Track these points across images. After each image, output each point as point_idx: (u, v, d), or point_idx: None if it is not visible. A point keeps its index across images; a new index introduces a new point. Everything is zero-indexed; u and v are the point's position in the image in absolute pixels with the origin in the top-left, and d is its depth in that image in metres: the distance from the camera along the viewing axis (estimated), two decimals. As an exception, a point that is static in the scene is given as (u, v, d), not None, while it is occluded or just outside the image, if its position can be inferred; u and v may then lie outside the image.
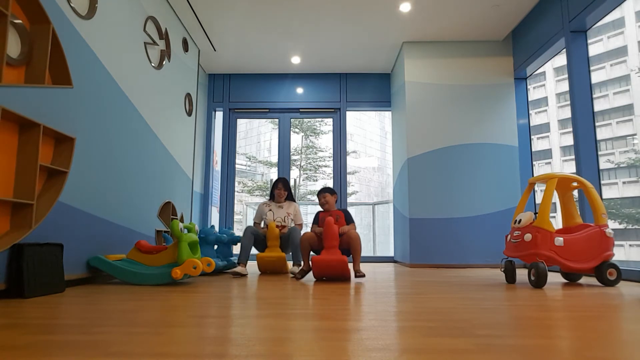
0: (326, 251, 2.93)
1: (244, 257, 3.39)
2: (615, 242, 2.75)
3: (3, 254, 1.96)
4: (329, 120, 6.02)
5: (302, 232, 3.47)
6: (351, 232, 3.08)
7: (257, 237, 3.56)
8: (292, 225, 3.87)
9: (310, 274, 3.32)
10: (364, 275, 2.96)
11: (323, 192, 3.40)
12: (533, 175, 4.55)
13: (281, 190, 3.91)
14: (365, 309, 1.70)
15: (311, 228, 3.34)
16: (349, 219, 3.27)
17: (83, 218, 2.56)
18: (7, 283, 1.98)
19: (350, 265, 3.16)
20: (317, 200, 3.50)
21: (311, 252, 3.20)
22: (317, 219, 3.34)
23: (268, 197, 4.08)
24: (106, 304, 1.79)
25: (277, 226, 3.68)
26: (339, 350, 1.05)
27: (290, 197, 4.01)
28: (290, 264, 3.98)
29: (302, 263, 3.29)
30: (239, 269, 3.24)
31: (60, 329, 1.29)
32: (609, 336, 1.26)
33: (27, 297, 1.96)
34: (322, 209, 3.40)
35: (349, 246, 3.05)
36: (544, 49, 4.11)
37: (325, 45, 5.09)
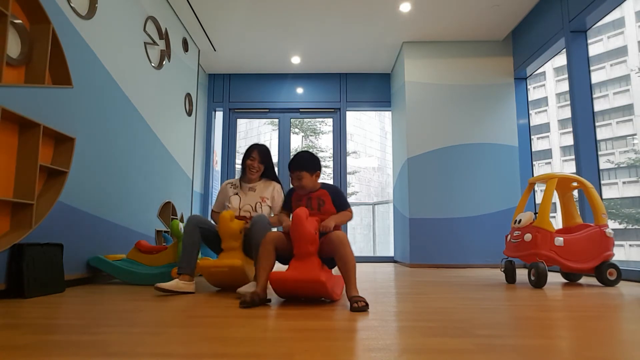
0: (297, 262, 1.82)
1: (185, 264, 2.18)
2: (615, 242, 2.75)
3: (3, 254, 1.96)
4: (329, 121, 6.02)
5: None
6: (335, 235, 1.85)
7: (205, 232, 2.30)
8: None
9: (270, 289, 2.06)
10: (366, 306, 1.65)
11: (296, 169, 2.08)
12: (533, 175, 4.55)
13: (254, 162, 2.53)
14: (365, 309, 1.69)
15: (276, 220, 2.27)
16: (340, 203, 2.09)
17: (83, 218, 2.56)
18: (7, 283, 1.98)
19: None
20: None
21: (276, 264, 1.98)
22: (290, 203, 2.18)
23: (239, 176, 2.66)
24: (106, 304, 1.79)
25: (241, 218, 2.39)
26: (339, 350, 1.05)
27: (271, 175, 2.63)
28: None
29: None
30: (173, 283, 2.09)
31: (60, 329, 1.29)
32: (609, 336, 1.26)
33: (27, 297, 1.96)
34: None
35: (334, 255, 1.85)
36: (544, 49, 4.11)
37: (325, 45, 5.09)
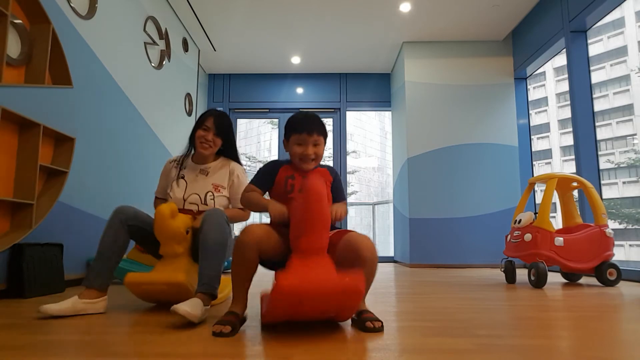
0: (304, 261, 1.20)
1: (94, 275, 1.57)
2: (615, 242, 2.75)
3: (3, 254, 1.96)
4: (329, 120, 6.02)
5: (245, 221, 1.78)
6: (364, 241, 1.28)
7: (139, 231, 1.68)
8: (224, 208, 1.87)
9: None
10: (380, 325, 1.26)
11: (316, 131, 1.45)
12: (533, 175, 4.55)
13: (208, 133, 1.85)
14: (365, 309, 1.69)
15: (244, 198, 1.51)
16: (340, 192, 1.53)
17: (83, 218, 2.56)
18: (7, 283, 1.98)
19: None
20: None
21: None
22: (271, 181, 1.50)
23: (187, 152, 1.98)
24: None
25: (185, 212, 1.76)
26: (339, 350, 1.05)
27: (230, 154, 1.97)
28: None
29: (215, 295, 1.48)
30: (69, 306, 1.46)
31: (60, 329, 1.29)
32: (609, 336, 1.26)
33: (27, 297, 1.96)
34: (284, 162, 1.54)
35: (348, 260, 1.28)
36: (544, 49, 4.11)
37: (325, 45, 5.08)
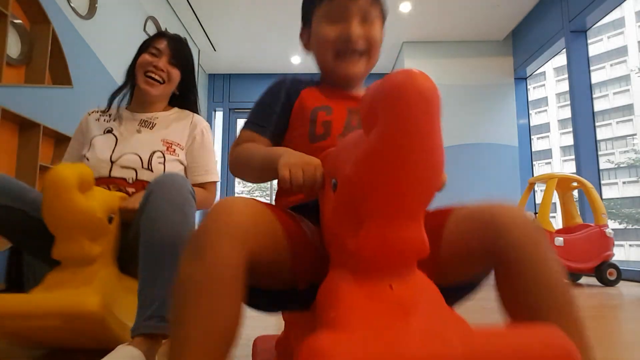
0: (366, 289, 0.43)
1: None
2: (615, 242, 2.75)
3: (3, 254, 1.96)
4: (329, 120, 6.02)
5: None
6: (507, 215, 0.54)
7: (8, 216, 0.94)
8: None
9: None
10: None
11: None
12: (533, 175, 4.55)
13: (159, 59, 1.18)
14: (365, 309, 1.69)
15: (235, 154, 0.74)
16: None
17: (83, 218, 2.56)
18: (7, 283, 1.98)
19: None
20: None
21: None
22: (283, 111, 0.80)
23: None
24: (106, 304, 1.79)
25: (115, 182, 1.08)
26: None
27: (189, 101, 1.30)
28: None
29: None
30: None
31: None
32: (609, 336, 1.26)
33: (27, 297, 1.95)
34: (306, 81, 0.86)
35: (468, 255, 0.56)
36: (544, 49, 4.11)
37: (325, 45, 5.08)
